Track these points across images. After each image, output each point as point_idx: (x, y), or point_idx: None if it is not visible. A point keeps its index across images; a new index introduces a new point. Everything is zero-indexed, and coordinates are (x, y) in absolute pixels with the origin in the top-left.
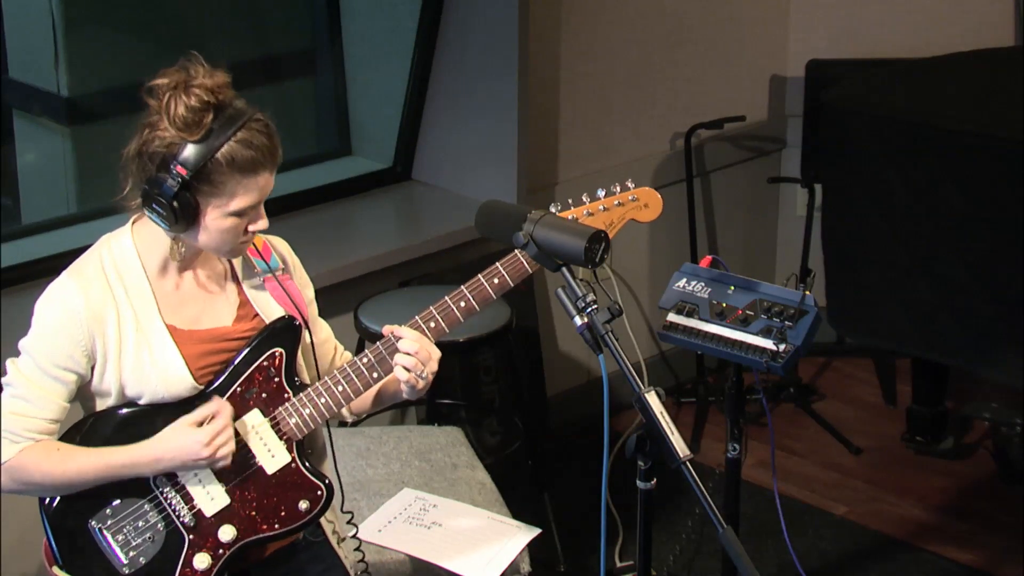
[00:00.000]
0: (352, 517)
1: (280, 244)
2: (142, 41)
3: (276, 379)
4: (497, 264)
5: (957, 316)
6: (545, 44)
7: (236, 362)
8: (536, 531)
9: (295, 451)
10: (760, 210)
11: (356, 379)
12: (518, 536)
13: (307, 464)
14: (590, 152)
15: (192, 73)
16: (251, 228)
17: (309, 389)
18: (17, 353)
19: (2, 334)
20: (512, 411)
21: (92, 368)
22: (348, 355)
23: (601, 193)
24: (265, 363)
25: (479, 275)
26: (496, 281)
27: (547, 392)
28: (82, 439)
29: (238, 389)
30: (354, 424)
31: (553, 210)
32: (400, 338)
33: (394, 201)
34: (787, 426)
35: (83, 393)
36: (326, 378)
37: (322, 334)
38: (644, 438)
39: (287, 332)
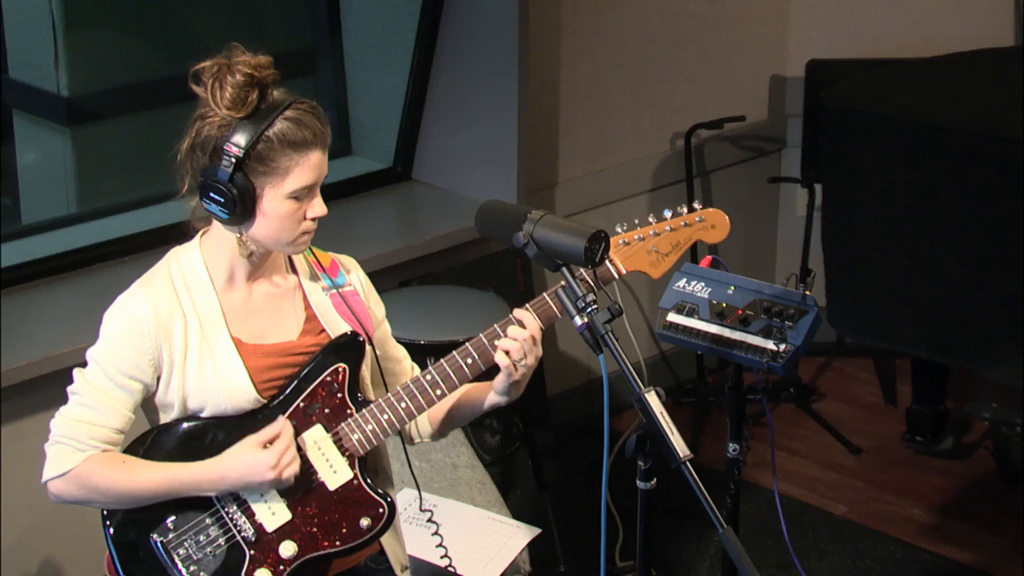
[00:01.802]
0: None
1: (348, 262)
2: (142, 41)
3: (339, 395)
4: (581, 270)
5: (957, 316)
6: (545, 44)
7: (300, 377)
8: (536, 531)
9: (357, 467)
10: (760, 210)
11: (419, 396)
12: (518, 536)
13: (369, 481)
14: (590, 152)
15: (234, 56)
16: (310, 214)
17: (372, 405)
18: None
19: (2, 334)
20: (512, 411)
21: (158, 379)
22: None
23: (667, 213)
24: (328, 378)
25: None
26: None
27: (547, 392)
28: (146, 452)
29: (301, 404)
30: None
31: (620, 230)
32: (515, 323)
33: (394, 201)
34: (787, 426)
35: (148, 405)
36: (389, 395)
37: (397, 353)
38: (644, 438)
39: (351, 348)
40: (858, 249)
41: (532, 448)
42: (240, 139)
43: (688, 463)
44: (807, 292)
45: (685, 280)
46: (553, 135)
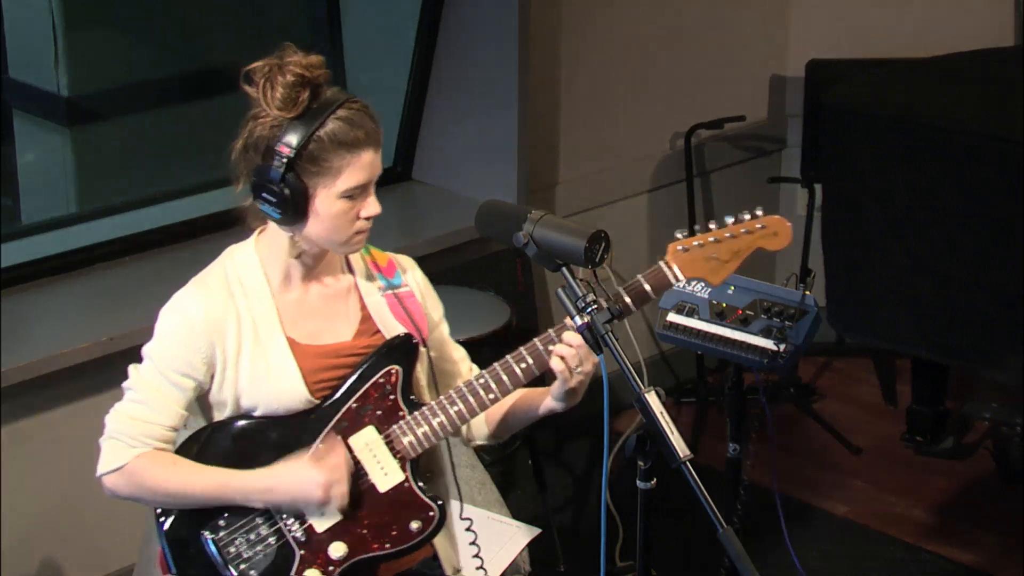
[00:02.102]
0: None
1: (406, 261)
2: (142, 41)
3: (392, 396)
4: (639, 277)
5: (957, 316)
6: (545, 44)
7: (352, 378)
8: (536, 531)
9: (409, 470)
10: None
11: (472, 399)
12: (518, 536)
13: (420, 484)
14: (590, 152)
15: (285, 56)
16: (363, 214)
17: (424, 408)
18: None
19: (2, 334)
20: None
21: (212, 377)
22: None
23: (729, 220)
24: (381, 380)
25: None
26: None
27: None
28: (199, 450)
29: (353, 405)
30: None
31: (679, 236)
32: (567, 329)
33: (394, 201)
34: (787, 426)
35: (203, 403)
36: (442, 398)
37: (456, 354)
38: (644, 438)
39: (404, 350)
40: (858, 249)
41: (532, 448)
42: (292, 139)
43: (688, 463)
44: (807, 292)
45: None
46: (553, 135)
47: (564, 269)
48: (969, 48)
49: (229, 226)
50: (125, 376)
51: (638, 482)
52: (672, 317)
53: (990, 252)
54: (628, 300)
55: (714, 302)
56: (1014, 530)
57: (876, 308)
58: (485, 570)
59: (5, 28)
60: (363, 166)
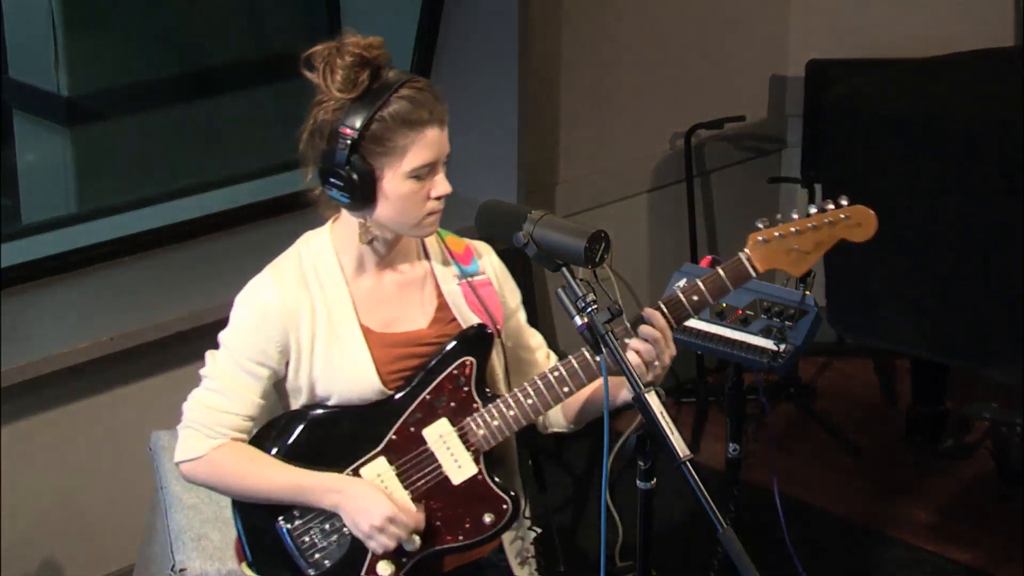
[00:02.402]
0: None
1: (484, 248)
2: (142, 41)
3: (466, 388)
4: (718, 269)
5: (957, 316)
6: (545, 44)
7: (426, 368)
8: (536, 531)
9: (482, 463)
10: (760, 210)
11: (546, 392)
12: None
13: (495, 477)
14: (590, 152)
15: (344, 39)
16: (433, 194)
17: (499, 400)
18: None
19: (2, 334)
20: None
21: (286, 364)
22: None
23: (812, 210)
24: (455, 371)
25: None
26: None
27: None
28: (275, 438)
29: (427, 396)
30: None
31: (760, 226)
32: (646, 321)
33: None
34: (787, 426)
35: (280, 390)
36: (516, 390)
37: (532, 341)
38: (644, 438)
39: (479, 341)
40: (858, 249)
41: (532, 448)
42: (355, 120)
43: (688, 463)
44: (807, 292)
45: (685, 280)
46: (553, 135)
47: (564, 269)
48: (969, 48)
49: (229, 226)
50: (125, 376)
51: (638, 482)
52: None
53: (990, 252)
54: (706, 293)
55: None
56: (1014, 530)
57: (876, 308)
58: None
59: (5, 28)
60: (428, 144)
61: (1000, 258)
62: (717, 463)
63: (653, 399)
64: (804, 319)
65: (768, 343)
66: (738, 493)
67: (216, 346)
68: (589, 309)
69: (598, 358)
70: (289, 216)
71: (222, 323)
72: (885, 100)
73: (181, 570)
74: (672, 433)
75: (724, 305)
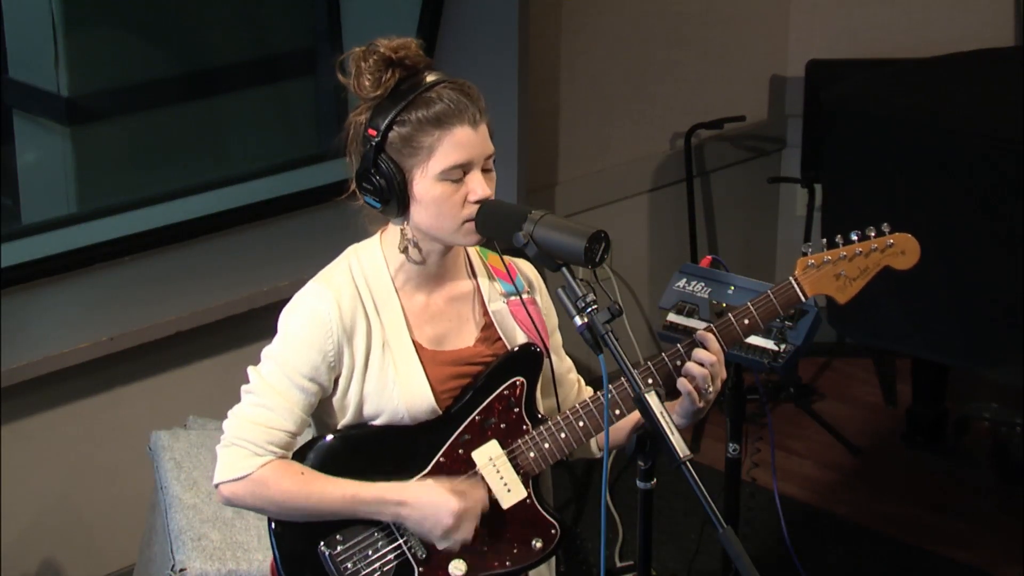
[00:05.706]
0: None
1: (526, 267)
2: (142, 41)
3: (516, 410)
4: (768, 292)
5: (957, 316)
6: (545, 44)
7: (476, 388)
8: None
9: (531, 487)
10: (760, 210)
11: (598, 415)
12: None
13: (543, 501)
14: (590, 152)
15: (375, 42)
16: (471, 198)
17: (550, 423)
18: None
19: (2, 334)
20: None
21: (336, 380)
22: (589, 390)
23: (855, 237)
24: (506, 392)
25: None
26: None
27: None
28: (316, 457)
29: (477, 417)
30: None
31: (807, 251)
32: (699, 345)
33: None
34: (787, 426)
35: (322, 408)
36: (567, 412)
37: (563, 365)
38: (644, 438)
39: (529, 360)
40: None
41: None
42: (380, 121)
43: (688, 463)
44: None
45: (685, 280)
46: (553, 135)
47: (564, 269)
48: (969, 48)
49: (229, 226)
50: (125, 376)
51: (638, 482)
52: (672, 317)
53: (990, 252)
54: (757, 316)
55: (714, 302)
56: (1014, 530)
57: (876, 308)
58: None
59: (5, 28)
60: (457, 144)
61: (1000, 258)
62: (717, 463)
63: (653, 399)
64: (804, 319)
65: (768, 343)
66: (738, 493)
67: (218, 349)
68: (589, 309)
69: (649, 381)
70: (289, 216)
71: (222, 323)
72: (885, 100)
73: (181, 570)
74: (672, 433)
75: (724, 305)
